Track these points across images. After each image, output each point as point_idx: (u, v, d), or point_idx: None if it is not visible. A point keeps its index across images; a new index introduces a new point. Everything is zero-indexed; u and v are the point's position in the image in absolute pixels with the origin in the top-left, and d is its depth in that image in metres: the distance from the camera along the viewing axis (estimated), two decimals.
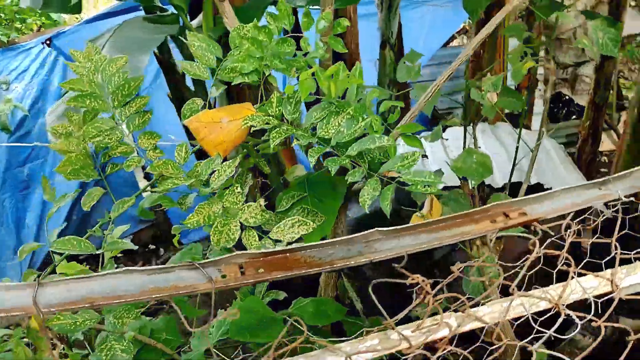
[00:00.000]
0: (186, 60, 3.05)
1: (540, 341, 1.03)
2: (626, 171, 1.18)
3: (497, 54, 4.55)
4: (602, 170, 6.11)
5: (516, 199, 1.14)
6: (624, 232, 1.15)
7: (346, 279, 2.65)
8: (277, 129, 1.38)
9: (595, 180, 1.16)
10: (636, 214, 1.18)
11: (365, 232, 1.07)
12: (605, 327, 1.07)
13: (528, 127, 4.91)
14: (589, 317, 1.06)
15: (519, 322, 1.10)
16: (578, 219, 1.14)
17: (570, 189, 1.15)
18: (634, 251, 1.14)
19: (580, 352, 1.08)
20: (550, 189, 3.90)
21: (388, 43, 3.75)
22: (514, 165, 2.57)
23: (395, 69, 4.12)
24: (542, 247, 1.07)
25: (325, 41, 1.57)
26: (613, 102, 6.39)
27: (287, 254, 1.01)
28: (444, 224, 1.12)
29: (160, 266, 0.97)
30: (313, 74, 1.37)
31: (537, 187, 4.14)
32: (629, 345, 1.09)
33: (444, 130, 4.19)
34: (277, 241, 1.35)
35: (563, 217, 1.13)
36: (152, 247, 5.28)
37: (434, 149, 4.28)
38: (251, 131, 1.50)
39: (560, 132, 6.21)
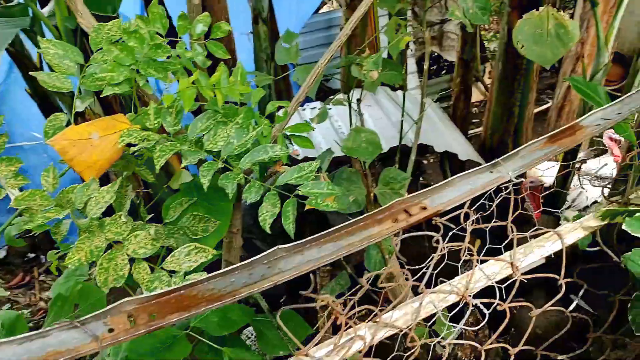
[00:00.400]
0: (40, 49, 2.73)
1: (452, 336, 1.03)
2: (513, 151, 1.20)
3: (369, 20, 4.57)
4: (475, 121, 6.49)
5: (415, 193, 1.12)
6: (518, 212, 1.18)
7: None
8: (161, 146, 1.24)
9: (486, 164, 1.17)
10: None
11: (267, 251, 0.99)
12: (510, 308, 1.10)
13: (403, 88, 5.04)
14: (496, 302, 1.08)
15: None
16: (475, 206, 1.15)
17: (465, 176, 1.15)
18: (530, 231, 1.18)
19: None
20: (432, 147, 4.01)
21: (260, 17, 3.61)
22: (401, 137, 2.60)
23: (270, 43, 4.01)
24: (445, 241, 1.07)
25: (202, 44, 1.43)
26: (477, 54, 6.76)
27: (182, 291, 0.92)
28: (348, 229, 1.07)
29: (33, 332, 0.83)
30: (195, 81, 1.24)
31: (420, 148, 4.29)
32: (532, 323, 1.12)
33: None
34: (172, 272, 1.23)
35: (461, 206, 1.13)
36: (31, 255, 4.86)
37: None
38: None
39: (433, 88, 6.48)
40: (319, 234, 1.03)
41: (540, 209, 3.93)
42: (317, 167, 1.29)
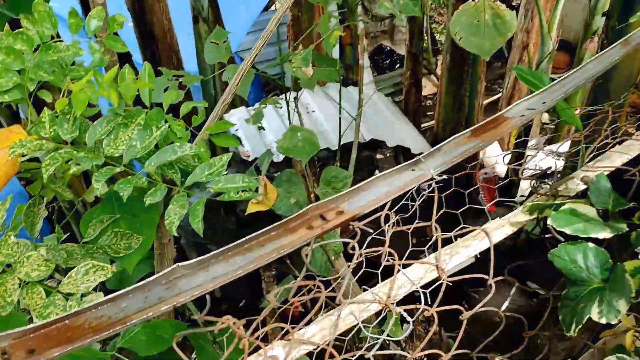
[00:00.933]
0: None
1: (375, 347, 0.97)
2: (435, 147, 1.14)
3: (316, 13, 4.50)
4: (429, 113, 6.49)
5: (334, 196, 1.05)
6: (442, 211, 1.12)
7: None
8: (52, 154, 1.14)
9: (408, 162, 1.11)
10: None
11: (166, 270, 0.91)
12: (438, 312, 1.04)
13: (357, 83, 4.97)
14: (422, 307, 1.02)
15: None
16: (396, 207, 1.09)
17: (385, 176, 1.09)
18: (455, 230, 1.12)
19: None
20: (385, 142, 3.96)
21: (200, 16, 3.50)
22: (340, 135, 2.54)
23: None
24: (363, 247, 1.00)
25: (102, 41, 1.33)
26: (429, 47, 6.77)
27: (67, 321, 0.82)
28: (258, 240, 0.99)
29: None
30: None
31: (372, 144, 4.25)
32: (463, 325, 1.07)
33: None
34: (69, 295, 1.12)
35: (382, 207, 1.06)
36: None
37: (270, 119, 4.17)
38: None
39: (386, 82, 6.45)
40: (225, 247, 0.95)
41: (495, 201, 3.92)
42: (227, 161, 1.21)
